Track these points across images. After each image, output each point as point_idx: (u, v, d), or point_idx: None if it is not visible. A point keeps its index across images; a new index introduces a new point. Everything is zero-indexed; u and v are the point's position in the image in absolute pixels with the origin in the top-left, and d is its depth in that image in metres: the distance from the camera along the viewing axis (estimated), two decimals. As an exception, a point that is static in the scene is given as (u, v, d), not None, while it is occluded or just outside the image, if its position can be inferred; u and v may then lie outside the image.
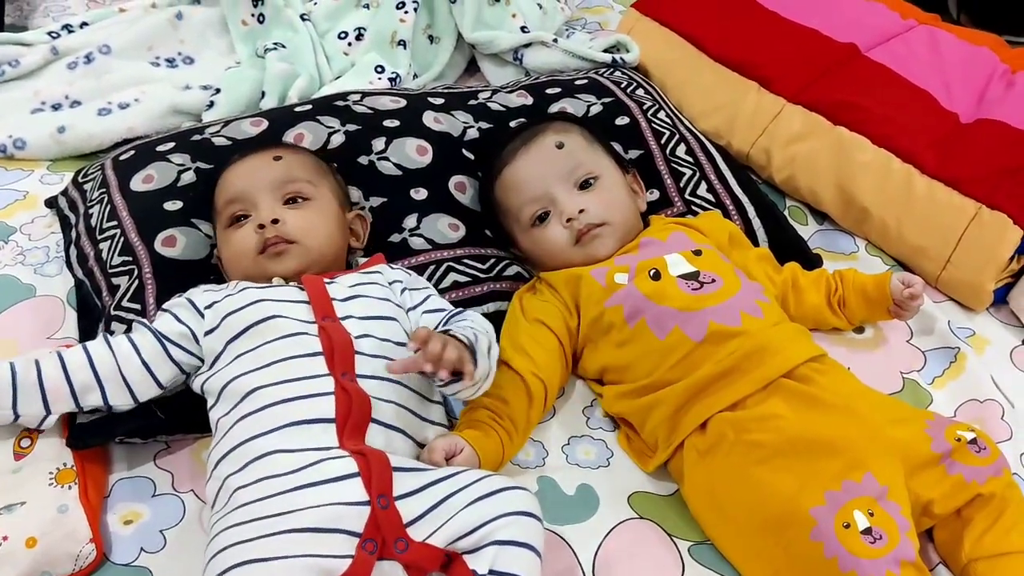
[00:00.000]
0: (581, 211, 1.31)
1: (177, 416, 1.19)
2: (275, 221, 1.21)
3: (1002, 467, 1.12)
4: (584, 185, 1.34)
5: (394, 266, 1.29)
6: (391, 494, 0.98)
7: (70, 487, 1.10)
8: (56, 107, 1.72)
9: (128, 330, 1.20)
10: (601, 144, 1.42)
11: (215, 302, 1.16)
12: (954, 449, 1.11)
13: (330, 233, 1.27)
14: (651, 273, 1.25)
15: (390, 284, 1.23)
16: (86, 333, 1.29)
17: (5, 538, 1.04)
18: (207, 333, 1.14)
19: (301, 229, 1.22)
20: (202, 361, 1.15)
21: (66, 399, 1.11)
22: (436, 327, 1.18)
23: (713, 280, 1.24)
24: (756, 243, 1.47)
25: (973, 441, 1.12)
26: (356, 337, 1.12)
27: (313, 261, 1.23)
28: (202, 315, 1.16)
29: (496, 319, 1.30)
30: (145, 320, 1.21)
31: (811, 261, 1.46)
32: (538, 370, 1.22)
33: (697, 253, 1.28)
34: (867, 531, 1.00)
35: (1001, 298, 1.49)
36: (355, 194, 1.40)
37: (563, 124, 1.43)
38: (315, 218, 1.25)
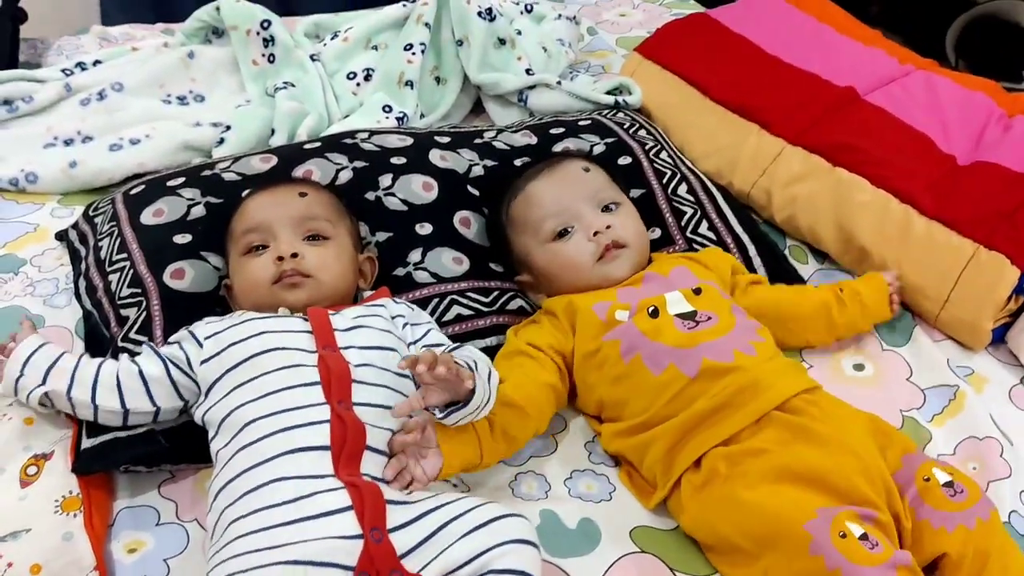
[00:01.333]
0: (608, 227, 1.34)
1: (181, 445, 1.20)
2: (294, 255, 1.23)
3: (975, 516, 1.08)
4: (607, 208, 1.37)
5: (398, 300, 1.31)
6: (384, 527, 0.99)
7: (75, 515, 1.11)
8: (68, 142, 1.75)
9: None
10: (619, 184, 1.46)
11: (216, 332, 1.18)
12: (921, 490, 1.10)
13: (344, 272, 1.29)
14: (650, 311, 1.27)
15: (393, 318, 1.25)
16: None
17: (10, 565, 1.04)
18: (204, 361, 1.16)
19: (317, 266, 1.25)
20: (198, 387, 1.16)
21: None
22: None
23: (709, 318, 1.26)
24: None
25: (949, 484, 1.11)
26: (356, 366, 1.13)
27: (324, 296, 1.25)
28: (201, 344, 1.17)
29: (496, 352, 1.31)
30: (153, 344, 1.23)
31: (811, 299, 1.48)
32: (531, 384, 1.23)
33: (697, 292, 1.30)
34: (864, 537, 1.00)
35: (1000, 337, 1.50)
36: (362, 229, 1.42)
37: (586, 159, 1.47)
38: (331, 257, 1.27)
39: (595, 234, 1.33)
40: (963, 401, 1.37)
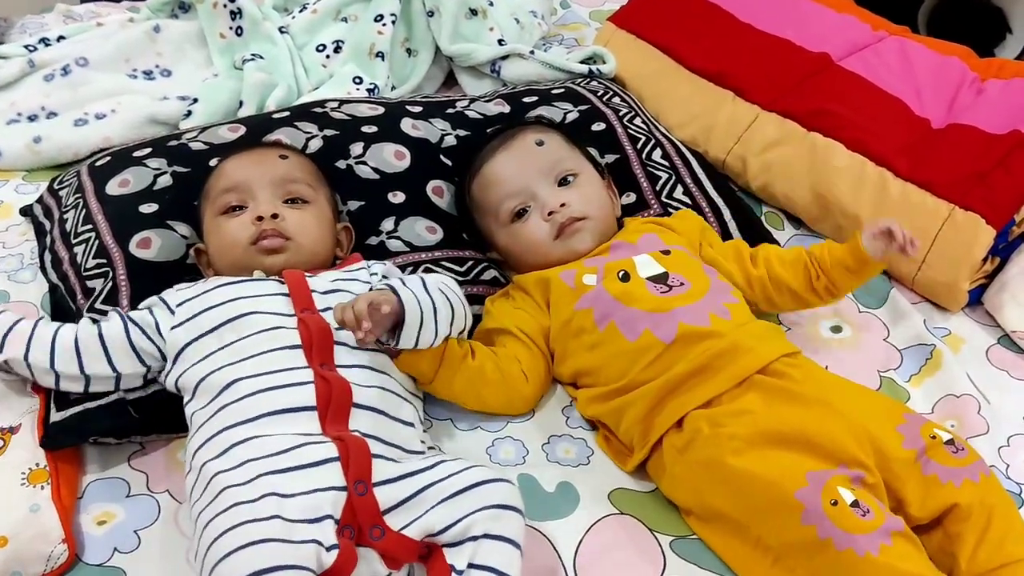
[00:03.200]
0: (563, 205, 1.31)
1: (152, 416, 1.18)
2: (275, 216, 1.21)
3: (979, 472, 1.10)
4: (564, 181, 1.35)
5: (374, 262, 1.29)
6: (369, 480, 0.98)
7: (42, 487, 1.09)
8: (32, 118, 1.72)
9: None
10: (580, 148, 1.43)
11: (188, 299, 1.16)
12: (928, 447, 1.10)
13: (323, 238, 1.27)
14: (620, 275, 1.25)
15: (369, 279, 1.23)
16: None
17: (-25, 537, 1.02)
18: (174, 327, 1.14)
19: (297, 228, 1.23)
20: (163, 355, 1.14)
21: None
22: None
23: (682, 283, 1.24)
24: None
25: (950, 442, 1.12)
26: (336, 328, 1.11)
27: (302, 261, 1.23)
28: (172, 311, 1.15)
29: (473, 323, 1.30)
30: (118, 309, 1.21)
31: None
32: (515, 363, 1.23)
33: (666, 253, 1.28)
34: (855, 504, 0.99)
35: (976, 299, 1.50)
36: (333, 198, 1.40)
37: (543, 126, 1.44)
38: (311, 221, 1.25)
39: (550, 214, 1.32)
40: (940, 361, 1.37)
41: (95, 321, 1.18)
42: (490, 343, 1.26)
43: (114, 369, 1.14)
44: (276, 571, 0.87)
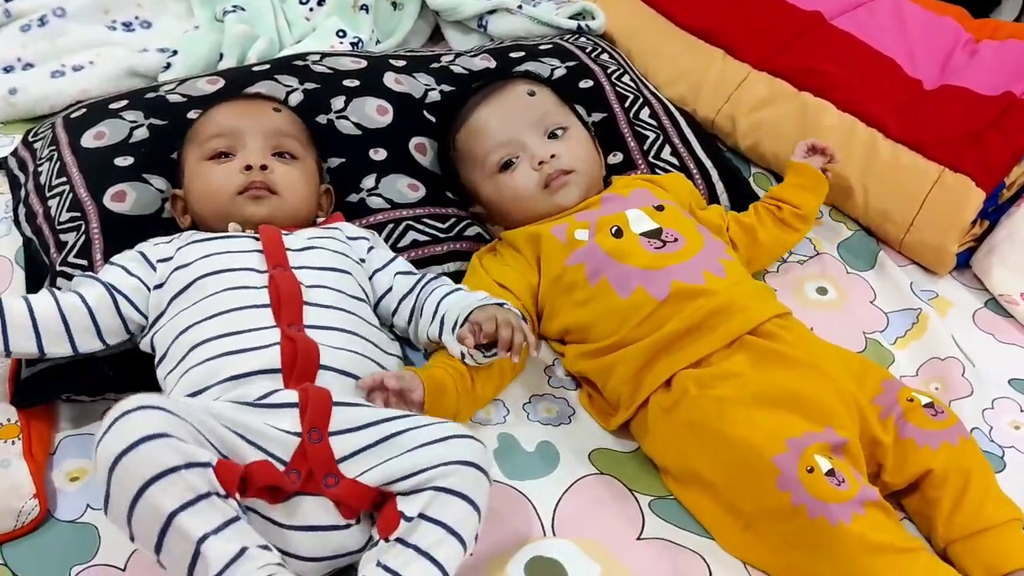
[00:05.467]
0: (552, 156, 1.29)
1: (126, 374, 1.15)
2: (264, 167, 1.18)
3: (958, 435, 1.09)
4: (553, 135, 1.33)
5: (356, 224, 1.27)
6: (325, 428, 0.96)
7: (13, 442, 1.07)
8: (8, 69, 1.68)
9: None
10: (569, 104, 1.41)
11: (167, 257, 1.13)
12: (906, 410, 1.10)
13: (308, 197, 1.25)
14: (612, 230, 1.23)
15: (349, 240, 1.21)
16: (34, 292, 1.25)
17: (-56, 492, 1.00)
18: (156, 287, 1.11)
19: (285, 183, 1.20)
20: (147, 319, 1.12)
21: None
22: (412, 288, 1.19)
23: (676, 239, 1.23)
24: (720, 205, 1.46)
25: (929, 405, 1.11)
26: (308, 287, 1.09)
27: (284, 216, 1.20)
28: (154, 268, 1.13)
29: (457, 279, 1.28)
30: (92, 273, 1.18)
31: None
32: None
33: (659, 208, 1.27)
34: (831, 472, 0.99)
35: (964, 262, 1.49)
36: (313, 153, 1.37)
37: (533, 79, 1.42)
38: (299, 177, 1.23)
39: (540, 164, 1.29)
40: (926, 324, 1.36)
41: (75, 289, 1.13)
42: None
43: (104, 343, 1.11)
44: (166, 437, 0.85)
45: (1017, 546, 1.04)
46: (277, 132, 1.23)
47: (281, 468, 0.93)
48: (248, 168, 1.18)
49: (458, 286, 1.20)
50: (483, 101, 1.35)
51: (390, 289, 1.20)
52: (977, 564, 1.03)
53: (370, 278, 1.21)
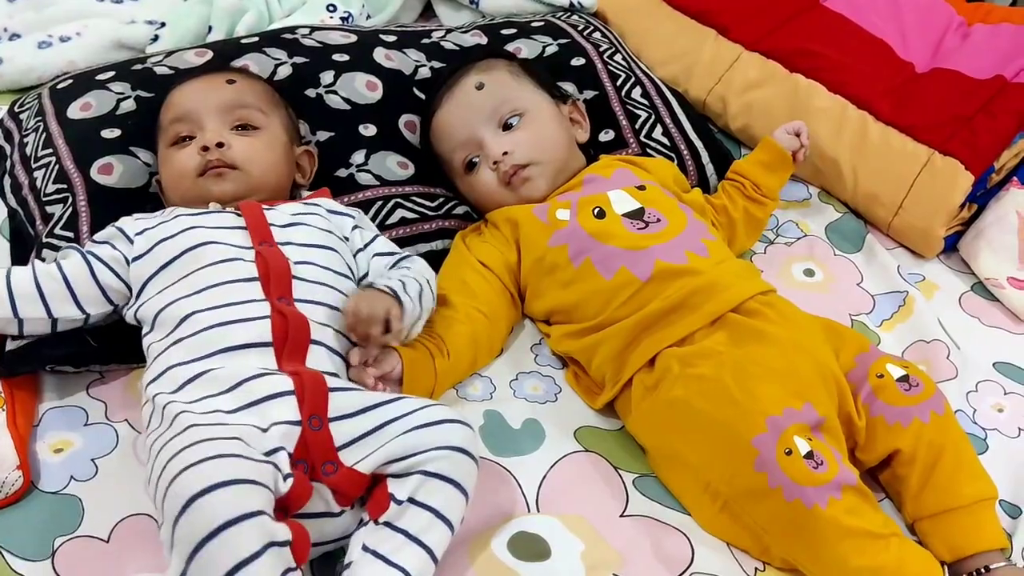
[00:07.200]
0: (505, 153, 1.28)
1: (111, 345, 1.16)
2: (220, 145, 1.17)
3: (930, 409, 1.08)
4: (508, 126, 1.30)
5: (341, 201, 1.26)
6: (325, 415, 0.96)
7: (-3, 414, 1.07)
8: (-6, 39, 1.67)
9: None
10: (530, 77, 1.38)
11: (147, 228, 1.13)
12: (876, 388, 1.10)
13: (275, 164, 1.23)
14: (595, 211, 1.23)
15: (330, 214, 1.20)
16: (19, 263, 1.24)
17: (-74, 463, 1.00)
18: (136, 259, 1.10)
19: (245, 156, 1.19)
20: (129, 290, 1.11)
21: None
22: (385, 269, 1.19)
23: (658, 220, 1.22)
24: (708, 188, 1.46)
25: (903, 379, 1.10)
26: (296, 263, 1.09)
27: (253, 189, 1.19)
28: (131, 240, 1.12)
29: (443, 256, 1.28)
30: (77, 245, 1.17)
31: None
32: (480, 305, 1.20)
33: (641, 188, 1.26)
34: (809, 455, 0.99)
35: (952, 245, 1.49)
36: (303, 128, 1.36)
37: (486, 62, 1.38)
38: (261, 147, 1.21)
39: (495, 164, 1.28)
40: (912, 306, 1.37)
41: (55, 258, 1.12)
42: (455, 282, 1.24)
43: (83, 311, 1.10)
44: (235, 484, 0.83)
45: (983, 527, 1.04)
46: (233, 105, 1.21)
47: (288, 459, 0.92)
48: (205, 149, 1.17)
49: (406, 265, 1.19)
50: (440, 102, 1.34)
51: (367, 272, 1.20)
52: (941, 543, 1.04)
53: (354, 256, 1.20)
